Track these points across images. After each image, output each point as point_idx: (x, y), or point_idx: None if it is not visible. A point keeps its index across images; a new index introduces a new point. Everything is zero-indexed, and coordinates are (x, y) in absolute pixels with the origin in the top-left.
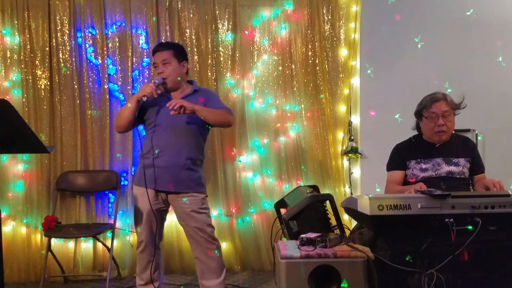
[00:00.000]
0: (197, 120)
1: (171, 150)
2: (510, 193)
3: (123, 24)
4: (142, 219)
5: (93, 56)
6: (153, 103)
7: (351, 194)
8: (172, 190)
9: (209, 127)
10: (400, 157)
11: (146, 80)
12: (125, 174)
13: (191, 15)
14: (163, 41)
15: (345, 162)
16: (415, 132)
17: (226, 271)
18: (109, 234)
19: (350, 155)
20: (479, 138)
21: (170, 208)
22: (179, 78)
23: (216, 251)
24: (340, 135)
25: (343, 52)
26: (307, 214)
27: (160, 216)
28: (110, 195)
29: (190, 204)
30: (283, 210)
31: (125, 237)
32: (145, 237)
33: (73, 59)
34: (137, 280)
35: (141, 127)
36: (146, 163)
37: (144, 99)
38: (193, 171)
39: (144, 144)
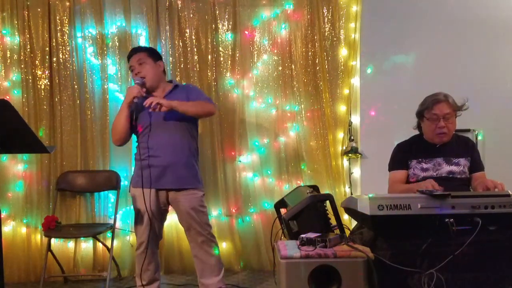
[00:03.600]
0: (183, 116)
1: (167, 148)
2: (510, 193)
3: (123, 24)
4: (143, 220)
5: (93, 56)
6: (140, 107)
7: (351, 194)
8: (173, 187)
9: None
10: (402, 157)
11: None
12: (125, 174)
13: (191, 15)
14: (163, 41)
15: (345, 162)
16: (416, 132)
17: (227, 270)
18: (109, 234)
19: (350, 155)
20: (479, 138)
21: (170, 208)
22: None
23: (214, 249)
24: (340, 135)
25: (343, 52)
26: (307, 214)
27: (160, 216)
28: (110, 195)
29: (191, 201)
30: (283, 210)
31: (125, 237)
32: (145, 238)
33: (73, 59)
34: (137, 281)
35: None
36: (144, 164)
37: (135, 100)
38: (191, 167)
39: (140, 147)
